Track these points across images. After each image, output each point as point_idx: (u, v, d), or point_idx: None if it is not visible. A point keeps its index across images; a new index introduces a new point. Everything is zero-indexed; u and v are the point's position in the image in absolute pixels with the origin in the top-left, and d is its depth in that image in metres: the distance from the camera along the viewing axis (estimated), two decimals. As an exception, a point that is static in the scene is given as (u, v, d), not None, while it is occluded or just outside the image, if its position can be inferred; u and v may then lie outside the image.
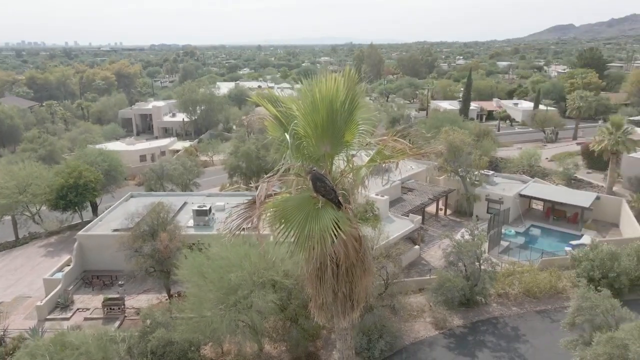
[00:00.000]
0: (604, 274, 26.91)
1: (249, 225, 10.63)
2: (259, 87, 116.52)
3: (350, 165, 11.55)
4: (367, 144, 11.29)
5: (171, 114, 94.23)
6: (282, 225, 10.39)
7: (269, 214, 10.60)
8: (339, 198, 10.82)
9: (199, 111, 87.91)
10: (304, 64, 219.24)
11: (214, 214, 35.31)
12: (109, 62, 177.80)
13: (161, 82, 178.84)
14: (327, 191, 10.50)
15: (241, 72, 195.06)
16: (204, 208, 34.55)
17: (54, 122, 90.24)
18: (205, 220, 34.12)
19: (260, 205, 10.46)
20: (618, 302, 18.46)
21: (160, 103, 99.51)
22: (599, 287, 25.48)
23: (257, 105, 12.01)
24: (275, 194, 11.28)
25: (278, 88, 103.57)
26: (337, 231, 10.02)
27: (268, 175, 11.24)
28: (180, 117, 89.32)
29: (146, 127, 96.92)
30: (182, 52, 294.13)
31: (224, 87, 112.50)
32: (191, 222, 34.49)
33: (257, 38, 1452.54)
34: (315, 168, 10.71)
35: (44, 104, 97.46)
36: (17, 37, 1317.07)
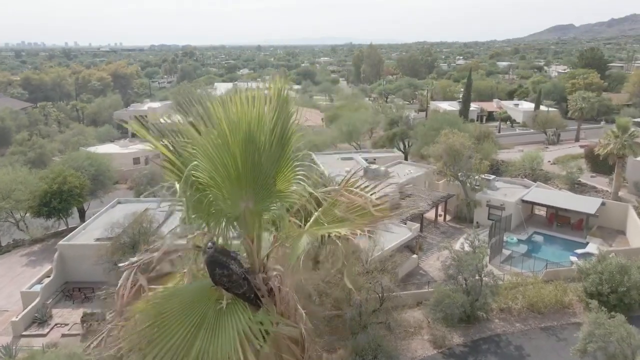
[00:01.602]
0: (613, 289, 25.29)
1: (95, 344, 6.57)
2: (258, 87, 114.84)
3: (286, 231, 7.29)
4: (310, 195, 7.15)
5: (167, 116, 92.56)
6: (152, 347, 5.92)
7: (135, 324, 6.20)
8: (262, 289, 6.74)
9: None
10: (303, 65, 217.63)
11: (202, 221, 33.70)
12: (106, 63, 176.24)
13: (159, 83, 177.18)
14: (233, 283, 6.48)
15: (240, 73, 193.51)
16: (192, 216, 32.92)
17: (47, 123, 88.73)
18: (193, 228, 32.50)
19: (122, 308, 6.29)
20: (635, 329, 16.84)
21: (157, 104, 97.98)
22: (608, 301, 24.14)
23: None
24: (156, 280, 7.07)
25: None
26: (259, 344, 6.15)
27: (141, 254, 7.06)
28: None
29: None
30: (182, 53, 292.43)
31: (222, 88, 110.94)
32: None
33: (256, 38, 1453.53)
34: (212, 243, 6.57)
35: (37, 105, 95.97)
36: (17, 37, 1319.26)
